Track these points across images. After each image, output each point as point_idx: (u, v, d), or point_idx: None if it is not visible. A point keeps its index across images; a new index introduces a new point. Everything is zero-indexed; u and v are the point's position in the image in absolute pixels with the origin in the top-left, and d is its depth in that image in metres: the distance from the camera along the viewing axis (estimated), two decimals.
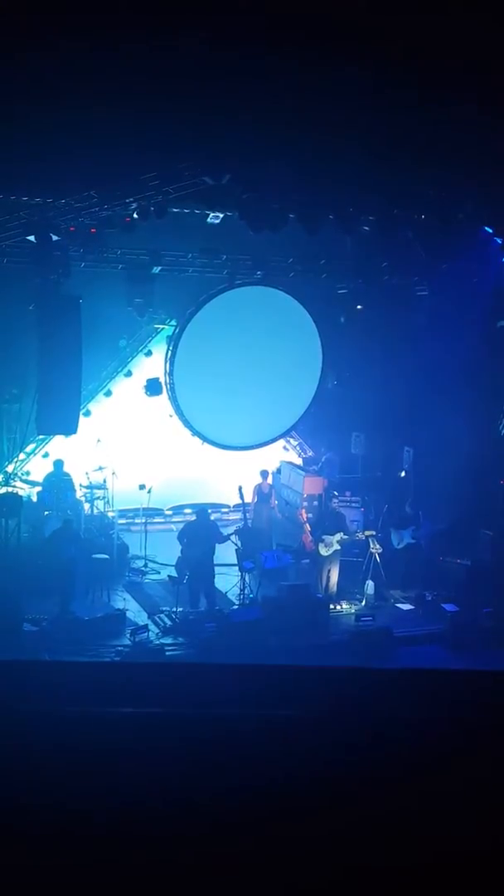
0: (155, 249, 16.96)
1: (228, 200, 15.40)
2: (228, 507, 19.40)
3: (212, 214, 15.96)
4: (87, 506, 17.32)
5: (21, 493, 16.63)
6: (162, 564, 16.65)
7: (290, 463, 20.36)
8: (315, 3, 10.27)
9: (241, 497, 15.34)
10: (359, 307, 19.01)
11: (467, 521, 16.39)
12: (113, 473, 17.37)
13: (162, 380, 18.28)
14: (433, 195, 15.77)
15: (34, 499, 17.16)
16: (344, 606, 15.28)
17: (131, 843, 3.25)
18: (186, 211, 15.80)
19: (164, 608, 14.68)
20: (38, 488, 17.21)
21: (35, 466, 18.15)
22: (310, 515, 17.11)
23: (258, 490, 17.51)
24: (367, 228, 16.66)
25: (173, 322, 18.47)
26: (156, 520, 18.89)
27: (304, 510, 17.44)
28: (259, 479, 17.63)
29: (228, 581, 15.44)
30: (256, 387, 18.53)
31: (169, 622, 14.18)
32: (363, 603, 15.42)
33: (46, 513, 16.74)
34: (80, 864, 3.19)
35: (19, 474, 17.68)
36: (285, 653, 13.00)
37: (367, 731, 3.81)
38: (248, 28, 10.37)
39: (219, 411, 18.53)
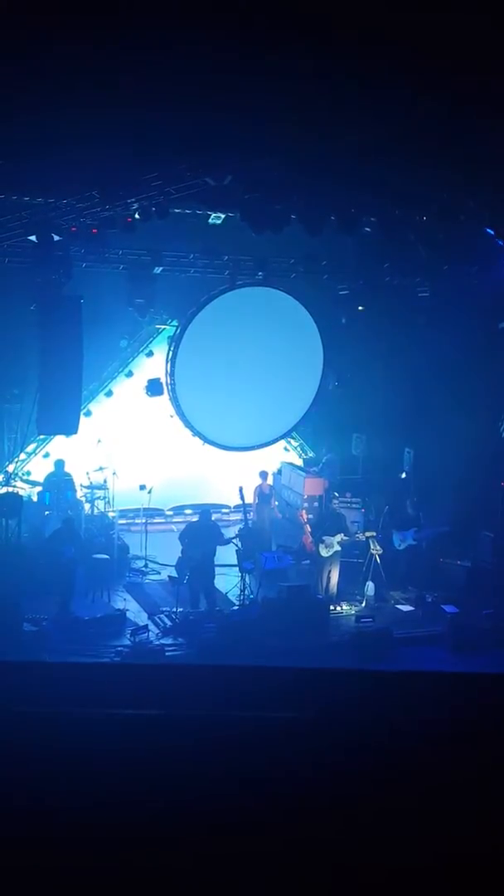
0: (156, 250, 16.97)
1: (230, 201, 15.40)
2: (229, 507, 19.39)
3: (213, 215, 15.97)
4: (87, 506, 17.33)
5: (22, 492, 16.63)
6: (162, 565, 16.65)
7: (291, 464, 20.36)
8: (316, 3, 10.27)
9: (242, 498, 15.34)
10: (360, 308, 19.01)
11: (468, 522, 16.40)
12: (113, 473, 17.37)
13: (163, 380, 18.28)
14: (435, 196, 15.76)
15: (35, 499, 17.16)
16: (344, 607, 15.28)
17: (131, 843, 3.25)
18: (188, 211, 15.80)
19: (164, 608, 14.67)
20: (39, 488, 17.22)
21: (36, 466, 18.16)
22: (310, 516, 17.11)
23: (259, 491, 17.51)
24: (368, 229, 16.66)
25: (174, 322, 18.48)
26: (156, 520, 18.89)
27: (304, 511, 17.44)
28: (259, 480, 17.63)
29: (229, 582, 15.45)
30: (257, 387, 18.53)
31: (169, 622, 14.18)
32: (363, 604, 15.41)
33: (47, 513, 16.75)
34: (80, 865, 3.19)
35: (20, 474, 17.69)
36: (285, 654, 12.99)
37: (367, 732, 3.81)
38: (250, 28, 10.37)
39: (220, 412, 18.53)
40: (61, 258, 15.24)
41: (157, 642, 13.63)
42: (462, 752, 3.79)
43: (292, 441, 20.91)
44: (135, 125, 13.03)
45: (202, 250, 17.64)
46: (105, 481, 17.44)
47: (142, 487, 17.76)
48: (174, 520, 19.10)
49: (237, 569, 14.91)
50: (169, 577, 15.34)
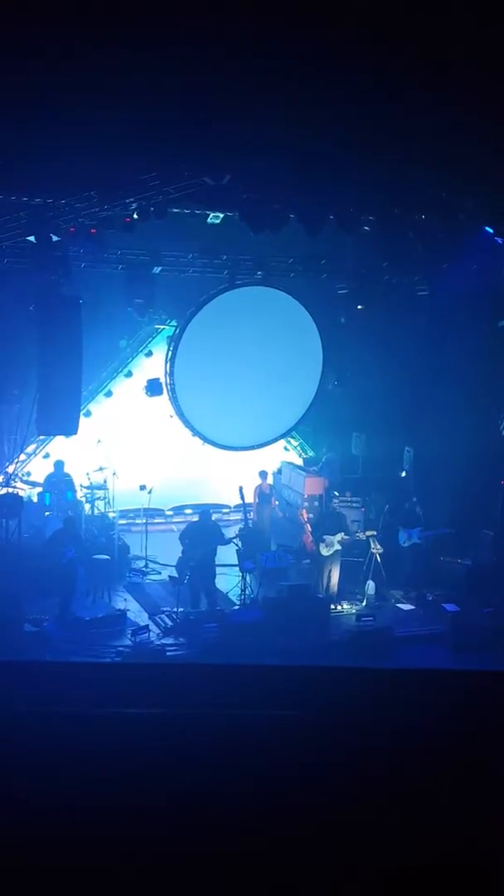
0: (155, 250, 16.96)
1: (229, 200, 15.39)
2: (229, 507, 19.38)
3: (212, 215, 15.95)
4: (87, 506, 17.33)
5: (22, 493, 16.63)
6: (163, 565, 16.64)
7: (291, 463, 20.36)
8: (316, 3, 10.28)
9: (242, 497, 15.34)
10: (359, 307, 18.99)
11: (468, 521, 16.40)
12: (113, 474, 17.37)
13: (162, 380, 18.27)
14: (434, 195, 15.76)
15: (35, 499, 17.16)
16: (345, 606, 15.28)
17: (133, 841, 3.25)
18: (187, 211, 15.79)
19: (164, 608, 14.67)
20: (39, 489, 17.21)
21: (36, 467, 18.16)
22: (310, 516, 17.10)
23: (259, 490, 17.50)
24: (367, 228, 16.65)
25: (174, 322, 18.47)
26: (156, 520, 18.88)
27: (304, 510, 17.44)
28: (260, 480, 17.63)
29: (229, 581, 15.44)
30: (257, 387, 18.52)
31: (170, 622, 14.18)
32: (364, 603, 15.41)
33: (47, 513, 16.75)
34: (82, 862, 3.19)
35: (20, 475, 17.68)
36: (286, 653, 13.00)
37: (368, 730, 3.81)
38: (248, 28, 10.37)
39: (219, 412, 18.52)
40: (60, 258, 15.22)
41: (158, 642, 13.63)
42: (462, 749, 3.79)
43: (292, 440, 20.91)
44: (133, 125, 13.02)
45: (201, 250, 17.62)
46: (105, 482, 17.44)
47: (142, 488, 17.75)
48: (174, 520, 19.09)
49: (238, 568, 14.92)
50: (169, 577, 15.34)
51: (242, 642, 13.22)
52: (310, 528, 16.41)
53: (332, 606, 15.00)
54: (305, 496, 18.21)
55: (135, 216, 15.02)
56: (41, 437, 17.71)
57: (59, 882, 3.13)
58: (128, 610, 14.69)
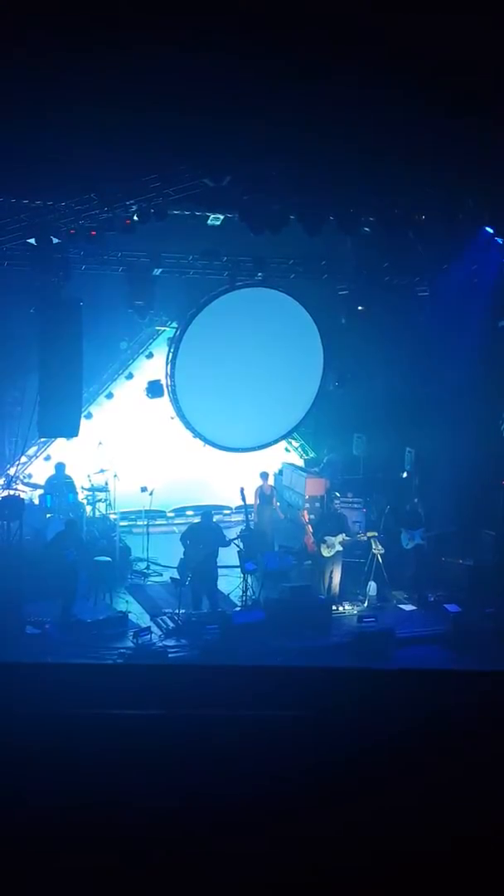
0: (155, 251, 16.96)
1: (229, 202, 15.39)
2: (230, 508, 19.39)
3: (212, 216, 15.96)
4: (88, 508, 17.33)
5: (23, 495, 16.61)
6: (164, 566, 16.65)
7: (292, 464, 20.36)
8: (315, 3, 10.27)
9: (243, 499, 15.34)
10: (360, 308, 18.99)
11: (470, 521, 16.39)
12: (114, 476, 17.38)
13: (163, 382, 18.29)
14: (434, 195, 15.75)
15: (36, 501, 17.16)
16: (346, 608, 15.27)
17: (134, 842, 3.25)
18: (187, 213, 15.79)
19: (166, 610, 14.68)
20: (40, 491, 17.22)
21: (37, 469, 18.17)
22: (312, 517, 17.10)
23: (260, 492, 17.50)
24: (367, 229, 16.66)
25: (174, 324, 18.48)
26: (158, 522, 18.89)
27: (305, 511, 17.43)
28: (261, 481, 17.63)
29: (231, 583, 15.45)
30: (258, 388, 18.54)
31: (171, 624, 14.18)
32: (365, 604, 15.41)
33: (48, 515, 16.75)
34: (82, 865, 3.18)
35: (21, 477, 17.69)
36: (288, 654, 13.00)
37: (370, 731, 3.81)
38: (247, 29, 10.36)
39: (220, 413, 18.54)
40: (60, 261, 15.25)
41: (160, 644, 13.63)
42: (465, 751, 3.79)
43: (293, 441, 20.91)
44: (133, 126, 13.02)
45: (201, 251, 17.63)
46: (106, 484, 17.46)
47: (143, 489, 17.76)
48: (176, 521, 19.10)
49: (239, 570, 14.92)
50: (171, 578, 15.34)
51: (244, 643, 13.22)
52: (311, 530, 16.41)
53: (334, 607, 15.00)
54: (306, 497, 18.22)
55: (135, 218, 15.02)
56: (42, 440, 17.72)
57: (59, 883, 3.13)
58: (129, 612, 14.69)
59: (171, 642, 13.72)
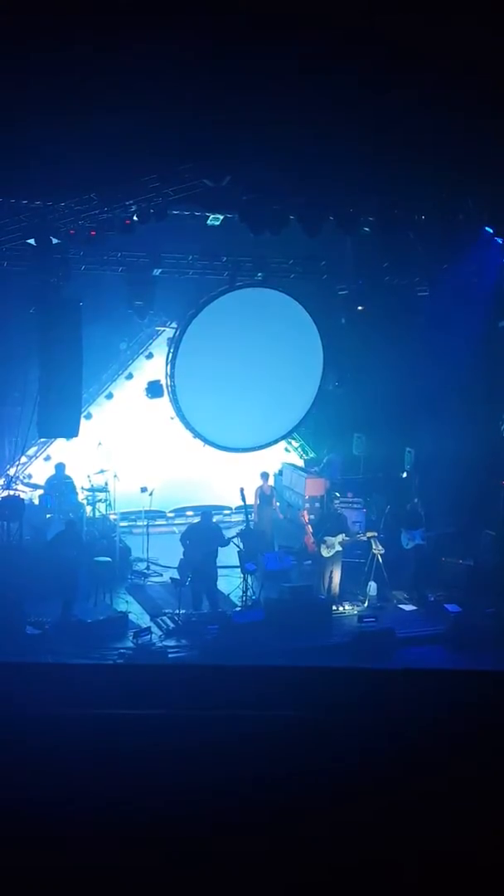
0: (155, 252, 16.97)
1: (228, 202, 15.40)
2: (230, 509, 19.38)
3: (212, 216, 15.96)
4: (88, 509, 17.33)
5: (23, 496, 16.61)
6: (164, 567, 16.65)
7: (292, 464, 20.36)
8: (315, 3, 10.27)
9: (243, 499, 15.34)
10: (360, 308, 19.01)
11: (470, 521, 16.39)
12: (114, 476, 17.37)
13: (163, 382, 18.29)
14: (433, 195, 15.75)
15: (36, 502, 17.16)
16: (346, 608, 15.27)
17: (134, 842, 3.25)
18: (186, 213, 15.80)
19: (166, 610, 14.68)
20: (40, 491, 17.22)
21: (37, 469, 18.17)
22: (312, 517, 17.10)
23: (260, 492, 17.50)
24: (367, 229, 16.66)
25: (174, 324, 18.48)
26: (158, 522, 18.88)
27: (305, 512, 17.44)
28: (261, 481, 17.62)
29: (231, 583, 15.44)
30: (258, 388, 18.54)
31: (171, 624, 14.17)
32: (365, 604, 15.41)
33: (48, 516, 16.75)
34: (81, 865, 3.18)
35: (21, 477, 17.69)
36: (288, 654, 12.99)
37: (370, 731, 3.81)
38: (247, 29, 10.37)
39: (220, 413, 18.54)
40: (60, 261, 15.25)
41: (160, 644, 13.63)
42: (465, 751, 3.79)
43: (293, 442, 20.91)
44: (133, 127, 13.02)
45: (201, 252, 17.64)
46: (106, 484, 17.45)
47: (143, 490, 17.76)
48: (175, 522, 19.10)
49: (239, 570, 14.91)
50: (171, 578, 15.33)
51: (244, 644, 13.21)
52: (311, 530, 16.41)
53: (334, 607, 15.00)
54: (306, 497, 18.22)
55: (135, 218, 15.02)
56: (42, 440, 17.72)
57: (59, 883, 3.13)
58: (129, 612, 14.69)
59: (171, 642, 13.72)
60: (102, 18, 10.24)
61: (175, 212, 15.47)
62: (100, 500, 17.46)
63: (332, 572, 15.26)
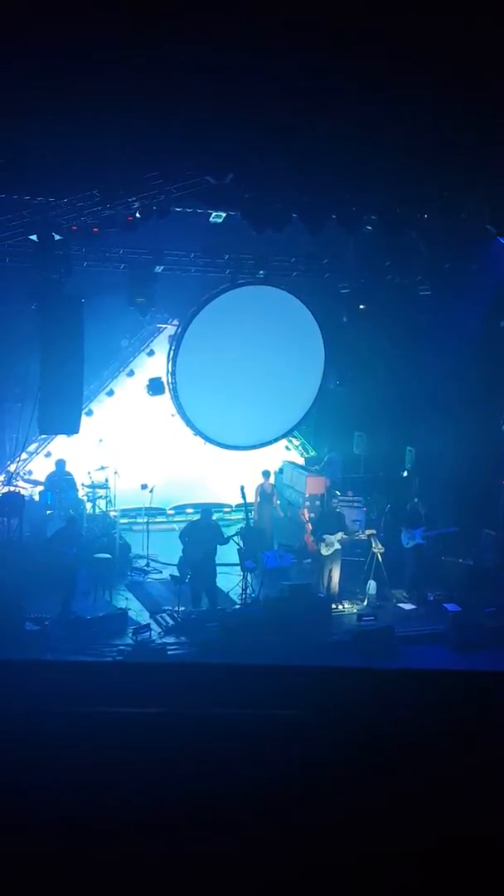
0: (157, 249, 16.97)
1: (231, 200, 15.39)
2: (230, 506, 19.39)
3: (214, 214, 15.95)
4: (89, 505, 17.33)
5: (23, 492, 16.65)
6: (164, 564, 16.65)
7: (293, 463, 20.36)
8: (317, 2, 10.26)
9: (244, 497, 15.33)
10: (361, 307, 19.01)
11: (470, 520, 16.39)
12: (115, 473, 17.38)
13: (164, 379, 18.29)
14: (436, 194, 15.74)
15: (36, 498, 17.17)
16: (346, 606, 15.27)
17: (132, 842, 3.24)
18: (189, 210, 15.80)
19: (166, 607, 14.67)
20: (41, 488, 17.22)
21: (37, 466, 18.17)
22: (312, 515, 17.10)
23: (260, 490, 17.50)
24: (369, 228, 16.65)
25: (175, 321, 18.48)
26: (158, 519, 18.89)
27: (306, 510, 17.43)
28: (261, 479, 17.63)
29: (230, 580, 15.44)
30: (259, 386, 18.54)
31: (171, 621, 14.18)
32: (365, 602, 15.41)
33: (49, 512, 16.76)
34: (80, 863, 3.18)
35: (21, 474, 17.70)
36: (287, 652, 12.97)
37: (369, 731, 3.80)
38: (250, 27, 10.36)
39: (221, 411, 18.54)
40: (62, 257, 15.24)
41: (159, 641, 13.63)
42: (464, 750, 3.78)
43: (294, 440, 20.91)
44: (135, 124, 13.01)
45: (203, 249, 17.64)
46: (106, 481, 17.46)
47: (143, 487, 17.77)
48: (176, 519, 19.11)
49: (239, 568, 14.91)
50: (171, 576, 15.34)
51: (243, 641, 13.21)
52: (311, 528, 16.41)
53: (334, 606, 15.00)
54: (307, 496, 18.21)
55: (137, 215, 15.02)
56: (43, 436, 17.72)
57: (59, 883, 3.13)
58: (129, 609, 14.70)
59: (170, 639, 13.72)
60: (106, 15, 10.23)
61: (177, 209, 15.46)
62: (100, 497, 17.47)
63: (331, 571, 15.26)
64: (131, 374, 18.89)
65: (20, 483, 17.24)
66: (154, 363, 18.87)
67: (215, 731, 3.70)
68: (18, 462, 17.73)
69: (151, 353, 19.04)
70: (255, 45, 10.90)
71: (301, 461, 20.74)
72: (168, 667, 9.74)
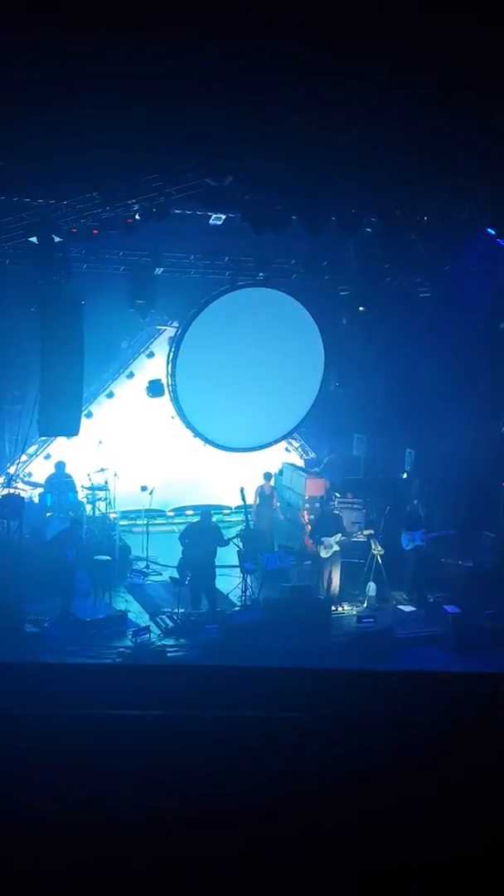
0: (157, 251, 16.98)
1: (231, 201, 15.39)
2: (230, 508, 19.39)
3: (214, 216, 15.96)
4: (88, 507, 17.33)
5: (23, 494, 16.63)
6: (164, 566, 16.65)
7: (292, 465, 20.35)
8: (317, 4, 10.27)
9: (243, 499, 15.34)
10: (361, 309, 19.01)
11: (469, 522, 16.39)
12: (115, 475, 17.38)
13: (164, 381, 18.30)
14: (436, 196, 15.75)
15: (36, 500, 17.17)
16: (345, 608, 15.27)
17: (132, 845, 3.25)
18: (188, 212, 15.80)
19: (165, 609, 14.67)
20: (40, 490, 17.23)
21: (37, 468, 18.17)
22: (311, 517, 17.10)
23: (260, 492, 17.50)
24: (369, 230, 16.65)
25: (175, 323, 18.48)
26: (157, 521, 18.89)
27: (305, 512, 17.43)
28: (261, 481, 17.62)
29: (230, 582, 15.44)
30: (258, 388, 18.53)
31: (170, 623, 14.18)
32: (365, 604, 15.41)
33: (48, 514, 16.76)
34: (80, 865, 3.18)
35: (21, 476, 17.70)
36: (287, 654, 12.98)
37: (369, 732, 3.81)
38: (250, 29, 10.36)
39: (221, 413, 18.54)
40: (62, 259, 15.24)
41: (159, 643, 13.63)
42: (464, 752, 3.78)
43: (293, 442, 20.91)
44: (135, 125, 13.01)
45: (203, 251, 17.64)
46: (106, 483, 17.46)
47: (143, 489, 17.77)
48: (175, 521, 19.11)
49: (238, 570, 14.91)
50: (170, 578, 15.34)
51: (243, 643, 13.22)
52: (310, 530, 16.40)
53: (333, 608, 15.00)
54: (306, 497, 18.21)
55: (137, 217, 15.01)
56: (42, 438, 17.72)
57: (58, 883, 3.13)
58: (128, 611, 14.69)
59: (169, 641, 13.72)
60: (105, 16, 10.23)
61: (177, 211, 15.46)
62: (100, 499, 17.47)
63: (331, 572, 15.26)
64: (131, 375, 18.89)
65: (20, 485, 17.24)
66: (154, 365, 18.87)
67: (215, 733, 3.71)
68: (18, 464, 17.73)
69: (151, 354, 19.04)
70: (255, 46, 10.91)
71: (301, 463, 20.74)
72: (168, 669, 9.74)
